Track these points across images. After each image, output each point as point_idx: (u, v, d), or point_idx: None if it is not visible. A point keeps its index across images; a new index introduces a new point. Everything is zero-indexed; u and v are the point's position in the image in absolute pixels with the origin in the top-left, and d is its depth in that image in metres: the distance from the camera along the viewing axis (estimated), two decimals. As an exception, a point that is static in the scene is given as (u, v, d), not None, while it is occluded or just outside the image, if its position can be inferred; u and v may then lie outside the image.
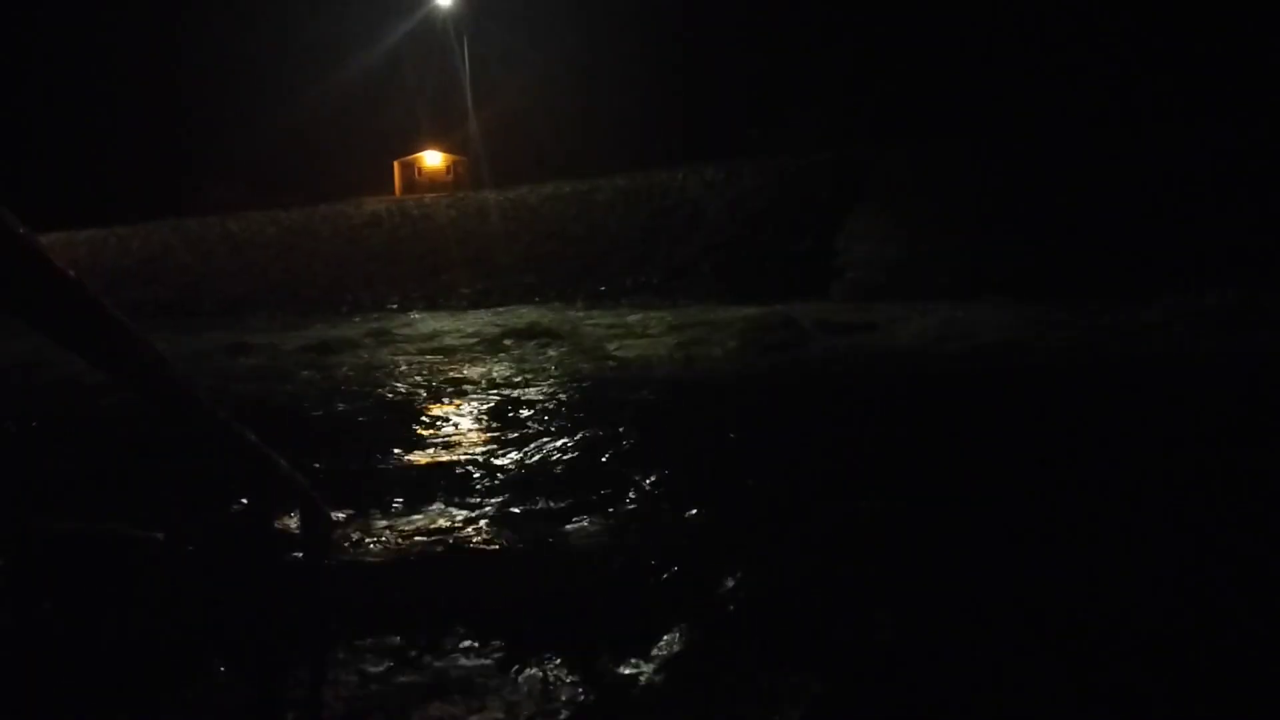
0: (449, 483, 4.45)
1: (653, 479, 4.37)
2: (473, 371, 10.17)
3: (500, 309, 16.68)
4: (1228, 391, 6.91)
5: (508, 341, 13.00)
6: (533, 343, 12.90)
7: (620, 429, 5.87)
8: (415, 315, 16.70)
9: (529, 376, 9.40)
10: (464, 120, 23.26)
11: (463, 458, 5.15)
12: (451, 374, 9.89)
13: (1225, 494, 3.96)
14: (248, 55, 23.54)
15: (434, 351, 12.31)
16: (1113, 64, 14.84)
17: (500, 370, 10.26)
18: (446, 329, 14.32)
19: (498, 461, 5.01)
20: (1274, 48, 13.89)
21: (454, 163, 25.57)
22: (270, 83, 23.21)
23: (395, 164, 25.87)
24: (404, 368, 10.80)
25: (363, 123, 23.64)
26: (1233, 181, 14.80)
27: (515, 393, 8.11)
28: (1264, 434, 5.19)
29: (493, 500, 4.16)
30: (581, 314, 15.54)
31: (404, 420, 6.73)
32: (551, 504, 4.02)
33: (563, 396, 7.80)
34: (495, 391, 8.19)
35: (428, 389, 8.77)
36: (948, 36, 16.36)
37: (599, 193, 19.14)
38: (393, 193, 25.29)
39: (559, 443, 5.43)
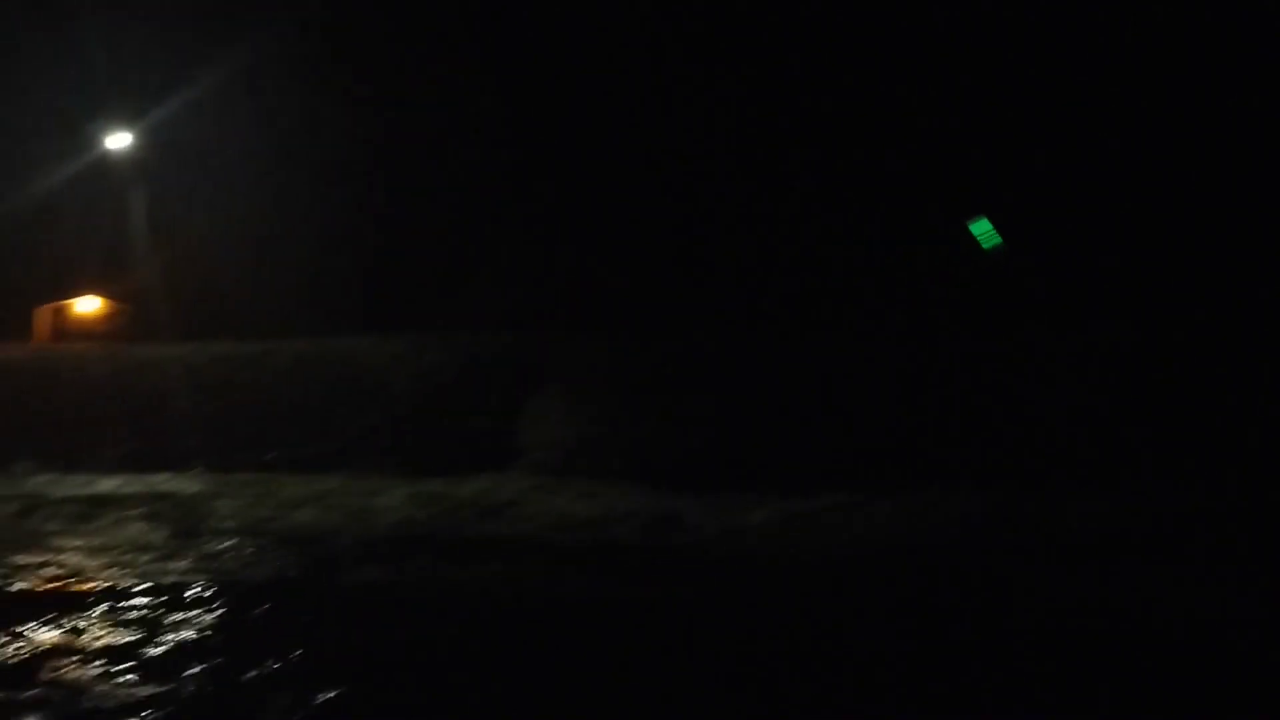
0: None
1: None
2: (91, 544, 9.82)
3: (152, 474, 15.52)
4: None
5: (146, 508, 12.41)
6: (178, 511, 12.41)
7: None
8: (50, 476, 15.20)
9: (155, 552, 9.54)
10: (129, 268, 21.87)
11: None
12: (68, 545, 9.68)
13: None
14: None
15: (66, 516, 11.60)
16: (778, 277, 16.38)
17: (131, 541, 9.91)
18: (82, 494, 13.42)
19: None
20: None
21: (114, 311, 23.81)
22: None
23: (43, 309, 23.70)
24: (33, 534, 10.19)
25: (4, 264, 21.61)
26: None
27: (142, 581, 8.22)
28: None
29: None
30: (244, 482, 14.86)
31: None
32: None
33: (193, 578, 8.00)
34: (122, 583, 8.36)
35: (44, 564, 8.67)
36: (633, 233, 17.52)
37: (275, 356, 18.43)
38: (37, 340, 23.09)
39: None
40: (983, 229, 14.14)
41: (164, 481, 14.58)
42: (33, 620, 6.72)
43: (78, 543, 9.87)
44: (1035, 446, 13.83)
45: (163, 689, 5.24)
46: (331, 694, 5.05)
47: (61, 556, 9.01)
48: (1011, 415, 14.47)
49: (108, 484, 14.23)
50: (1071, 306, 15.65)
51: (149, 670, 5.60)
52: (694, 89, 16.63)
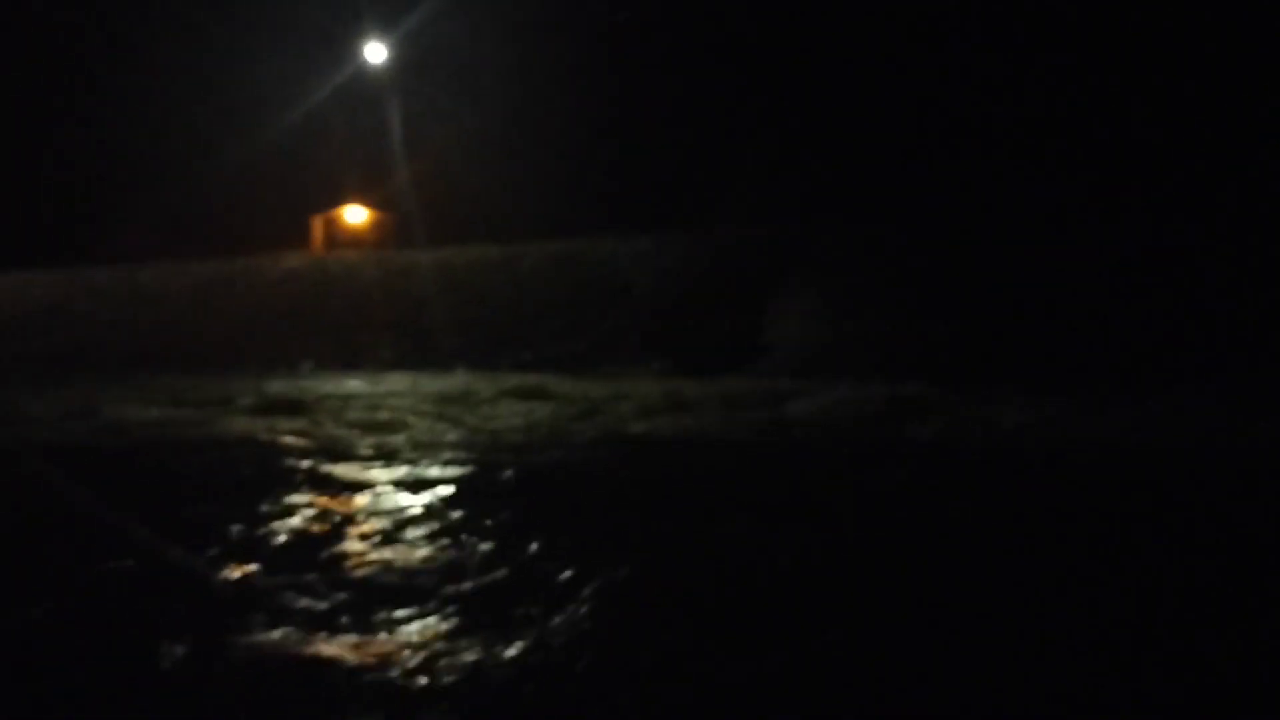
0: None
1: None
2: (398, 440, 9.98)
3: (423, 373, 16.28)
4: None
5: (431, 407, 12.81)
6: (458, 407, 12.76)
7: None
8: (334, 376, 16.18)
9: (458, 440, 9.57)
10: (390, 177, 22.95)
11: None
12: (375, 440, 9.79)
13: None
14: (163, 103, 22.98)
15: (362, 415, 12.05)
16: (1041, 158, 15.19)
17: (431, 435, 10.09)
18: (366, 392, 14.05)
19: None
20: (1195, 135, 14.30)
21: (378, 220, 25.23)
22: (187, 132, 22.64)
23: (316, 219, 25.40)
24: (333, 431, 10.53)
25: (283, 176, 23.10)
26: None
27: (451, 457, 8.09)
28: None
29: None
30: (505, 381, 15.30)
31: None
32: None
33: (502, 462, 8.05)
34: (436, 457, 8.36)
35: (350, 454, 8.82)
36: (880, 122, 16.65)
37: (527, 258, 18.98)
38: (312, 249, 24.80)
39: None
40: None
41: (430, 379, 15.20)
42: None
43: (390, 440, 9.95)
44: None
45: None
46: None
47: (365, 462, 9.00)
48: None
49: (386, 382, 14.85)
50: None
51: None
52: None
